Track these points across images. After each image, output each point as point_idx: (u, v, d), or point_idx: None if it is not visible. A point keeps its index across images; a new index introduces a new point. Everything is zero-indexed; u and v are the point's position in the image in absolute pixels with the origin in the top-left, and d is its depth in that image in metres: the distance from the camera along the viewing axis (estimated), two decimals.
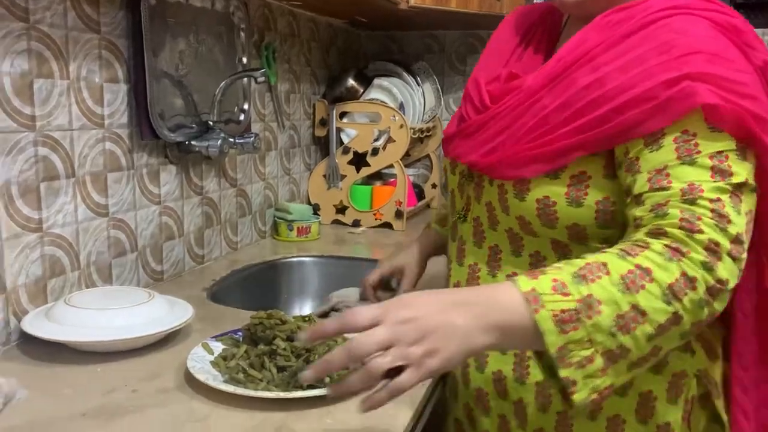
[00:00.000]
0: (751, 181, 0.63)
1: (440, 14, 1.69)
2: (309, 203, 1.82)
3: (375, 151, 1.79)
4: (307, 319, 0.87)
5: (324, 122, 1.83)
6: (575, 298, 0.57)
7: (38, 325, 0.87)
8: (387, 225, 1.79)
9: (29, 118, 0.93)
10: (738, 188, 0.61)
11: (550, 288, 0.58)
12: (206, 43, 1.31)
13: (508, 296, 0.59)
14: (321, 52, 1.88)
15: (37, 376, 0.81)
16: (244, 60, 1.42)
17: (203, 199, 1.36)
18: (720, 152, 0.62)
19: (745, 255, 0.61)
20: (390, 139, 1.79)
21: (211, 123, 1.30)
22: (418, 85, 1.94)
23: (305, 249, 1.54)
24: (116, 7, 1.08)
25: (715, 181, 0.61)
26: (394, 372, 0.55)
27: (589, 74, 0.71)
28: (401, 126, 1.76)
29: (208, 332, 0.94)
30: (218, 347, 0.86)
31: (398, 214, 1.78)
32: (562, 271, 0.60)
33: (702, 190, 0.60)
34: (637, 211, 0.65)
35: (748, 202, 0.62)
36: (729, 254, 0.59)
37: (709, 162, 0.61)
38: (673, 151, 0.63)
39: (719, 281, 0.59)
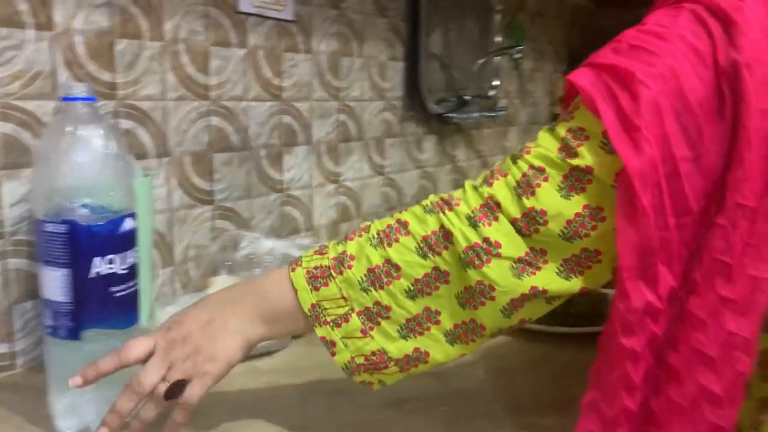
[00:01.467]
0: (604, 178, 0.52)
1: None
2: None
3: None
4: None
5: (563, 99, 1.87)
6: (330, 256, 0.58)
7: None
8: None
9: (335, 89, 1.13)
10: (577, 172, 0.52)
11: (313, 252, 0.59)
12: (467, 25, 1.43)
13: (280, 278, 0.59)
14: (564, 31, 1.92)
15: None
16: (498, 39, 1.53)
17: (454, 167, 1.50)
18: (582, 129, 0.53)
19: (542, 237, 0.53)
20: None
21: (467, 98, 1.43)
22: None
23: None
24: None
25: (557, 153, 0.53)
26: (181, 389, 0.56)
27: None
28: None
29: None
30: None
31: None
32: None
33: (529, 152, 0.55)
34: None
35: (594, 196, 0.52)
36: (512, 222, 0.54)
37: (563, 134, 0.53)
38: (557, 120, 0.57)
39: (486, 241, 0.53)
